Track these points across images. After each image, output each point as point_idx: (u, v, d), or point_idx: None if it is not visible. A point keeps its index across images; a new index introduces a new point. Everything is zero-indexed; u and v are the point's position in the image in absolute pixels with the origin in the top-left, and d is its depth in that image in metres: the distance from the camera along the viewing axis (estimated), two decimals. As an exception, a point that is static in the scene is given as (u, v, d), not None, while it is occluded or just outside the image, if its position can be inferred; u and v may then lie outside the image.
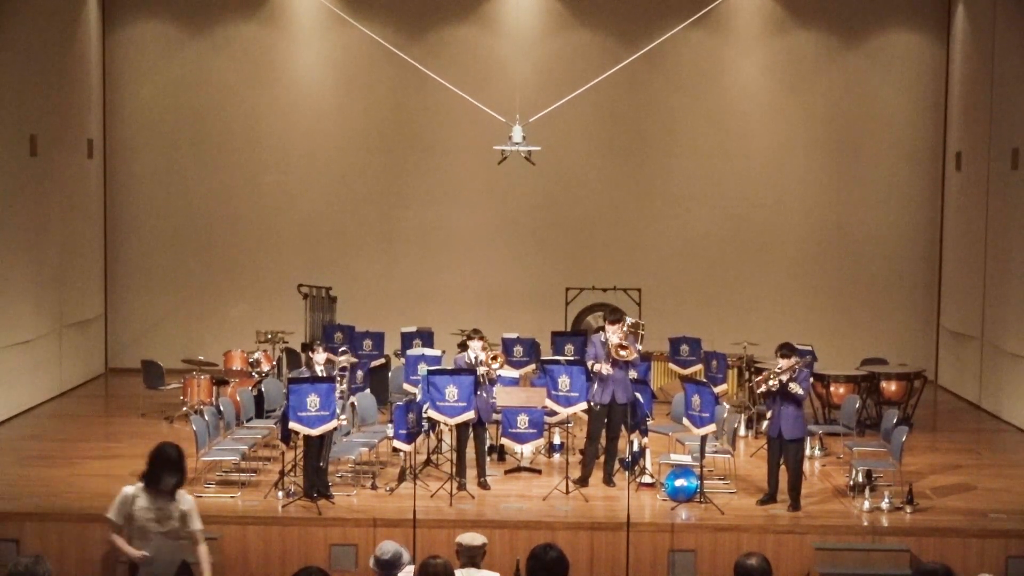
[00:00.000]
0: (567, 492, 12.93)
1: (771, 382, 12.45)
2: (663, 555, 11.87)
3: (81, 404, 18.35)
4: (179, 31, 20.64)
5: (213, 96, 20.69)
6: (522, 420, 13.49)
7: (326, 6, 19.70)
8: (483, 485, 13.19)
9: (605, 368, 13.03)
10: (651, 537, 11.90)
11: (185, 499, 8.67)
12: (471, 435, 13.21)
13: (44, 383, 18.04)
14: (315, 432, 12.36)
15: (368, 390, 15.02)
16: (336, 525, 12.02)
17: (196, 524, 8.65)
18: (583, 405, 13.24)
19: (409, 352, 15.65)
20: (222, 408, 13.93)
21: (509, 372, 14.47)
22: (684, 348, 16.74)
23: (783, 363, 12.52)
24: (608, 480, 13.36)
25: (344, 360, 14.44)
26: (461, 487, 12.89)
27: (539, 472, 13.96)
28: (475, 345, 13.38)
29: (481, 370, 13.17)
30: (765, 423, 13.06)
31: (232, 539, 11.89)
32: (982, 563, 11.56)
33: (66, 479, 13.53)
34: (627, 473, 13.07)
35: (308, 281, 19.10)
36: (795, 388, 12.37)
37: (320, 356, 13.29)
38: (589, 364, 13.19)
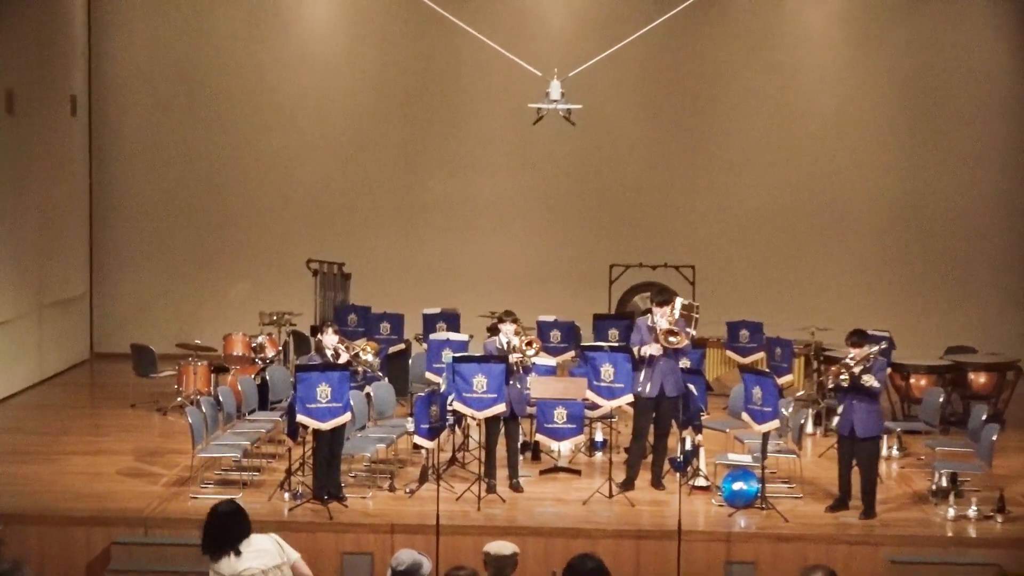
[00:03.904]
0: (610, 496, 12.90)
1: (842, 376, 12.34)
2: (718, 567, 11.82)
3: (64, 393, 18.42)
4: (174, -26, 20.70)
5: (212, 48, 20.68)
6: (559, 414, 13.45)
7: (339, -54, 19.69)
8: (515, 487, 13.17)
9: (653, 348, 12.96)
10: (705, 547, 11.85)
11: None
12: (502, 431, 13.18)
13: (22, 370, 18.12)
14: (325, 426, 12.34)
15: (385, 379, 15.00)
16: (349, 531, 12.02)
17: None
18: (629, 397, 13.18)
19: (432, 337, 15.65)
20: (221, 399, 13.95)
21: (545, 360, 14.41)
22: (743, 333, 16.74)
23: (855, 352, 12.41)
24: (656, 483, 13.32)
25: (364, 353, 14.10)
26: (490, 489, 12.88)
27: (578, 473, 13.93)
28: (507, 329, 13.35)
29: (514, 357, 13.12)
30: (836, 419, 12.97)
31: (232, 546, 11.88)
32: (1083, 580, 11.45)
33: (47, 477, 13.57)
34: (678, 475, 13.00)
35: (318, 256, 19.08)
36: (869, 380, 12.26)
37: (330, 338, 13.26)
38: (635, 351, 13.12)
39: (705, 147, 20.72)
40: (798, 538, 11.95)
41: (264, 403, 14.87)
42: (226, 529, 8.02)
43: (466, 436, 14.30)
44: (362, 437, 13.60)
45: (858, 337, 12.51)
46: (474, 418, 13.23)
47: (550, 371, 14.36)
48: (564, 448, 14.29)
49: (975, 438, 13.37)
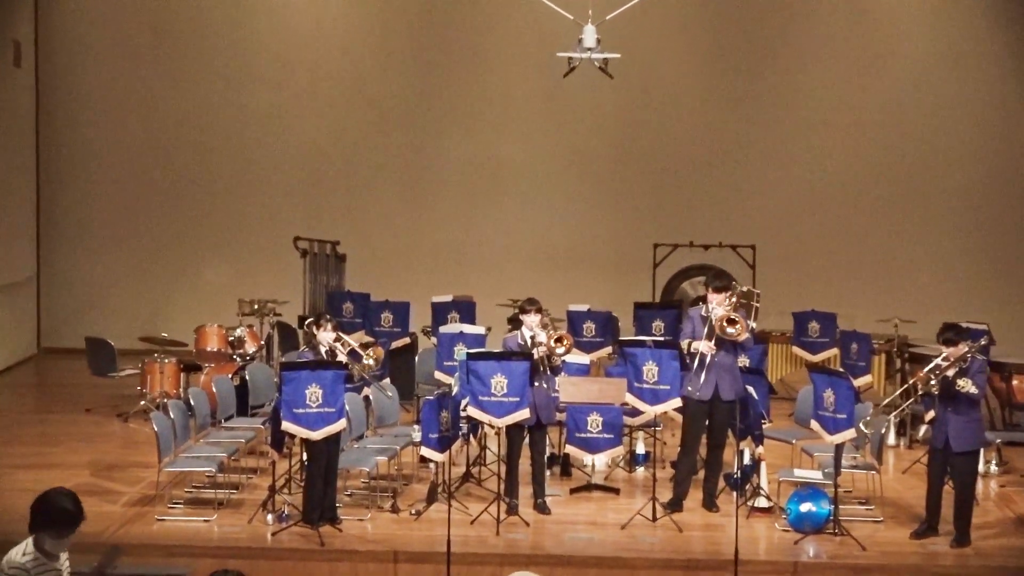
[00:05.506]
0: (654, 519, 12.87)
1: (931, 383, 12.21)
2: (783, 604, 11.81)
3: (6, 395, 18.49)
4: (138, -100, 20.72)
5: (183, -13, 20.74)
6: (594, 422, 13.47)
7: None
8: (541, 508, 13.15)
9: (705, 346, 12.88)
10: (767, 580, 11.82)
11: None
12: (525, 441, 13.12)
13: (-41, 368, 18.20)
14: (316, 435, 12.30)
15: (388, 380, 14.98)
16: (344, 559, 12.00)
17: None
18: (677, 402, 13.14)
19: (443, 330, 15.62)
20: (193, 402, 13.93)
21: (577, 357, 14.38)
22: (813, 326, 16.75)
23: (948, 352, 12.28)
24: (709, 503, 13.31)
25: (366, 358, 14.05)
26: (511, 510, 12.84)
27: (616, 492, 13.93)
28: (531, 321, 13.27)
29: (539, 353, 13.06)
30: (923, 428, 12.89)
31: (205, 577, 11.88)
32: None
33: (-13, 495, 13.60)
34: (735, 494, 12.95)
35: (308, 234, 19.08)
36: (966, 385, 12.13)
37: (327, 335, 13.21)
38: (684, 345, 13.05)
39: (767, 105, 20.67)
40: (878, 569, 11.90)
41: (243, 408, 14.89)
42: None
43: (483, 447, 14.31)
44: (360, 448, 13.60)
45: (952, 333, 12.36)
46: (492, 426, 13.21)
47: (583, 370, 14.36)
48: (599, 462, 14.28)
49: (1091, 452, 13.33)
